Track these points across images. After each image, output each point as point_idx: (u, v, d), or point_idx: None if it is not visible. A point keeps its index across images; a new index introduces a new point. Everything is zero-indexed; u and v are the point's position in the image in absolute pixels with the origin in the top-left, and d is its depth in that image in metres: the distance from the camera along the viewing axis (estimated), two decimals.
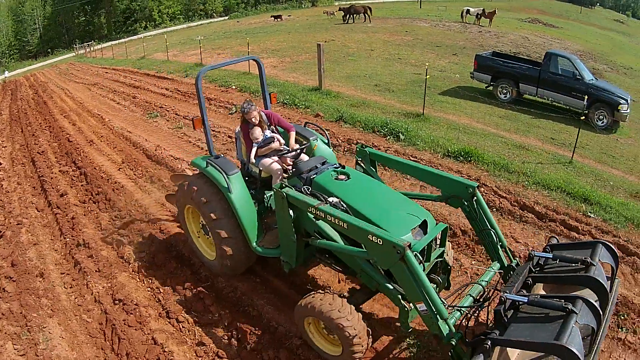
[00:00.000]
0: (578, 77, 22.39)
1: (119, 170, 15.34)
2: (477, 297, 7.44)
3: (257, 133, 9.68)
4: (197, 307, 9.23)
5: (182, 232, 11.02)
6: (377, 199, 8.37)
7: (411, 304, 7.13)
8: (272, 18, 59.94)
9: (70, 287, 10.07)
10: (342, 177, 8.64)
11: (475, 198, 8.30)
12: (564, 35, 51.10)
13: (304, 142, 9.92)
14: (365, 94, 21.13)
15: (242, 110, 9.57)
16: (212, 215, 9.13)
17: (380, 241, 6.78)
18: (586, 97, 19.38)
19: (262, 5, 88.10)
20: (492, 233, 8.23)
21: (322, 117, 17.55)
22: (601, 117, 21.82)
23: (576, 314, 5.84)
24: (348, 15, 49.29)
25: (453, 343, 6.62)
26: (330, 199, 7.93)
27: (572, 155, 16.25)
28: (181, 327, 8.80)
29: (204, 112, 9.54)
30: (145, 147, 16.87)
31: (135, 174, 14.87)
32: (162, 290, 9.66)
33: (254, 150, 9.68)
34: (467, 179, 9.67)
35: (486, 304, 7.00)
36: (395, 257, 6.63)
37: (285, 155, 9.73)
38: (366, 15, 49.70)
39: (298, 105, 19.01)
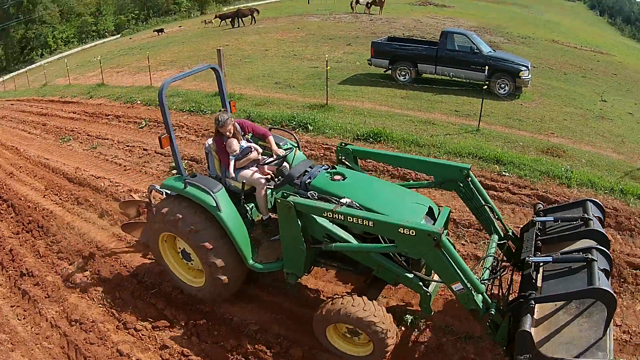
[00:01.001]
0: (476, 51, 23.53)
1: (44, 197, 15.23)
2: (493, 269, 7.99)
3: (235, 145, 9.25)
4: (151, 313, 9.47)
5: (120, 245, 11.33)
6: (381, 193, 8.69)
7: (430, 288, 7.76)
8: (156, 32, 59.68)
9: (23, 318, 10.06)
10: (338, 177, 8.80)
11: (469, 179, 8.88)
12: (457, 14, 53.04)
13: (285, 148, 9.75)
14: (268, 93, 21.57)
15: (218, 123, 9.08)
16: (202, 241, 8.77)
17: (413, 232, 7.07)
18: (487, 68, 20.84)
19: (152, 19, 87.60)
20: (488, 208, 8.90)
21: None
22: (503, 85, 23.09)
23: (596, 261, 6.87)
24: (236, 19, 49.59)
25: (493, 312, 7.28)
26: (343, 200, 8.05)
27: (479, 123, 17.23)
28: (141, 335, 9.03)
29: (170, 128, 8.92)
30: (64, 171, 16.75)
31: (60, 199, 14.81)
32: (114, 304, 9.83)
33: (232, 163, 9.28)
34: (459, 163, 10.18)
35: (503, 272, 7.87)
36: (431, 244, 6.98)
37: (268, 163, 9.51)
38: (253, 17, 50.15)
39: (205, 111, 19.20)
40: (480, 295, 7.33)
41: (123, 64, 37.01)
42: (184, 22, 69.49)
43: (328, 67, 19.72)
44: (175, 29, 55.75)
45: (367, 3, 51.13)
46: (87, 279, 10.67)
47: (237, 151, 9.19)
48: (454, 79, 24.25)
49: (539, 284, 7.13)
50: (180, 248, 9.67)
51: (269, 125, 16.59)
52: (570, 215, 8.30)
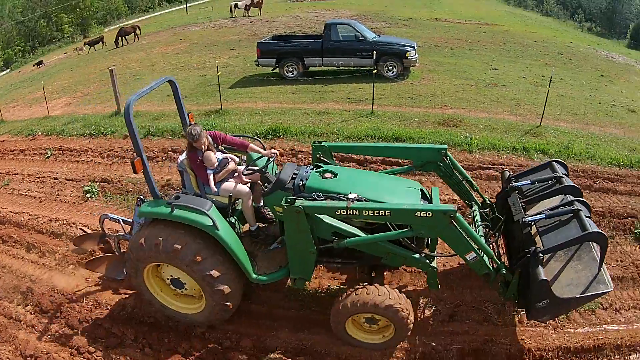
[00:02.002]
0: (361, 38, 24.57)
1: None
2: (486, 235, 9.08)
3: (213, 158, 9.09)
4: (100, 333, 9.68)
5: (53, 274, 11.42)
6: (376, 184, 9.31)
7: (433, 265, 8.65)
8: (35, 66, 58.55)
9: None
10: (329, 175, 9.13)
11: (447, 158, 9.90)
12: (336, 5, 54.23)
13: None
14: (162, 106, 21.80)
15: (192, 137, 8.83)
16: (207, 270, 8.56)
17: (429, 214, 7.83)
18: (374, 53, 21.88)
19: (37, 49, 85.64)
20: (466, 182, 10.04)
21: None
22: (391, 67, 24.29)
23: (582, 210, 8.34)
24: (119, 38, 49.28)
25: (504, 272, 8.54)
26: (350, 196, 8.31)
27: (372, 106, 18.11)
28: (96, 356, 9.25)
29: (142, 150, 8.55)
30: None
31: None
32: (62, 332, 9.91)
33: (211, 177, 9.15)
34: (436, 144, 10.58)
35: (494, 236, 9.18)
36: (446, 222, 7.83)
37: (249, 173, 9.45)
38: (135, 34, 49.99)
39: (105, 132, 19.25)
40: (490, 260, 8.40)
41: (17, 97, 36.40)
42: (69, 47, 68.60)
43: (219, 73, 20.11)
44: (62, 56, 54.96)
45: (246, 6, 51.63)
46: (30, 313, 10.67)
47: (216, 164, 9.13)
48: (341, 68, 25.25)
49: (536, 239, 8.38)
50: (169, 276, 9.42)
51: (168, 138, 17.01)
52: (544, 176, 9.66)
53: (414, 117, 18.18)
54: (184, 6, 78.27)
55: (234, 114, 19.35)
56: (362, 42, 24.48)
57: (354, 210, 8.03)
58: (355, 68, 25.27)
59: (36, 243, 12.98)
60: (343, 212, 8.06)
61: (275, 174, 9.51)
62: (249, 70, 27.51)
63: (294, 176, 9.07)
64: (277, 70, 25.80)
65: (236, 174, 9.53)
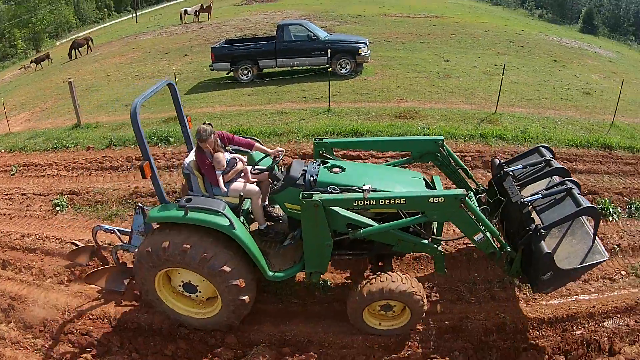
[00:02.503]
0: (313, 37, 25.20)
1: None
2: (490, 217, 9.73)
3: (223, 158, 9.19)
4: (86, 344, 9.78)
5: (31, 289, 11.39)
6: (382, 175, 9.82)
7: (440, 249, 9.40)
8: None
9: None
10: (337, 169, 9.52)
11: (444, 148, 10.67)
12: (284, 6, 54.57)
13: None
14: (122, 116, 21.88)
15: (202, 137, 8.91)
16: (219, 266, 8.64)
17: (442, 199, 8.50)
18: (329, 51, 22.63)
19: None
20: (462, 171, 10.83)
21: (94, 147, 18.08)
22: (344, 65, 24.94)
23: (574, 188, 9.30)
24: (73, 50, 48.97)
25: (508, 249, 9.32)
26: (365, 187, 8.69)
27: (329, 104, 18.59)
28: None
29: (149, 154, 8.57)
30: None
31: None
32: (48, 345, 9.97)
33: (221, 178, 9.24)
34: (433, 136, 11.55)
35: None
36: (457, 205, 8.52)
37: (257, 172, 9.80)
38: (88, 45, 49.80)
39: (68, 145, 19.23)
40: (495, 239, 9.36)
41: None
42: (22, 63, 67.97)
43: (176, 80, 20.34)
44: (17, 72, 54.41)
45: (195, 11, 51.75)
46: (14, 329, 10.59)
47: (225, 165, 9.22)
48: (295, 68, 25.81)
49: (535, 218, 9.32)
50: (180, 282, 9.38)
51: (131, 147, 17.26)
52: (534, 160, 10.59)
53: (371, 111, 18.76)
54: (134, 15, 77.83)
55: (193, 120, 19.16)
56: (315, 41, 25.09)
57: (371, 200, 8.49)
58: (309, 67, 25.78)
59: (11, 260, 12.92)
60: (360, 202, 8.51)
61: (282, 172, 9.83)
62: (204, 76, 27.84)
63: (303, 172, 9.35)
64: (232, 74, 26.12)
65: (242, 174, 9.66)
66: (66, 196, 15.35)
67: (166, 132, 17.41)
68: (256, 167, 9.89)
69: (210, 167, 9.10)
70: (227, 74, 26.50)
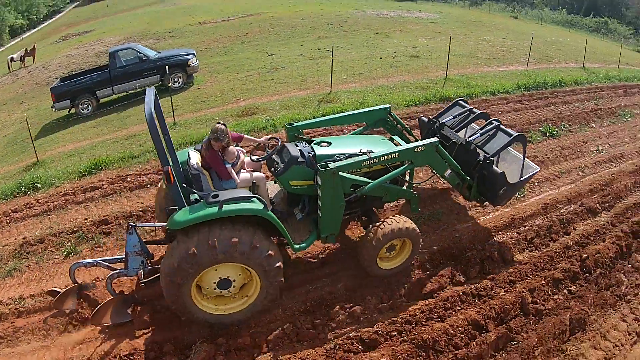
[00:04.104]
0: (144, 58, 26.35)
1: None
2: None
3: (235, 151, 10.00)
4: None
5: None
6: (361, 142, 11.44)
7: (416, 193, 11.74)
8: None
9: None
10: (325, 144, 11.00)
11: (391, 115, 13.03)
12: (100, 35, 53.80)
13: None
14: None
15: (218, 137, 9.54)
16: (265, 253, 9.10)
17: (423, 147, 10.93)
18: (162, 68, 24.45)
19: None
20: (406, 132, 13.06)
21: None
22: (176, 78, 26.38)
23: (500, 123, 12.57)
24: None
25: (468, 179, 12.09)
26: (363, 150, 10.63)
27: (173, 118, 19.80)
28: None
29: (168, 160, 8.85)
30: None
31: None
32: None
33: (233, 171, 9.88)
34: (379, 105, 13.55)
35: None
36: (433, 150, 11.14)
37: (257, 160, 10.84)
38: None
39: None
40: (459, 172, 11.98)
41: None
42: None
43: (29, 126, 20.07)
44: None
45: (21, 57, 50.58)
46: None
47: (235, 157, 10.05)
48: (131, 92, 26.78)
49: (479, 151, 12.13)
50: (214, 282, 9.48)
51: None
52: (459, 111, 13.48)
53: (214, 116, 20.05)
54: None
55: (51, 162, 19.57)
56: (146, 61, 26.24)
57: (374, 159, 10.35)
58: (144, 88, 26.21)
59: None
60: (366, 162, 10.30)
61: (280, 154, 10.79)
62: (46, 118, 27.65)
63: (300, 152, 10.53)
64: (73, 110, 26.24)
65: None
66: None
67: (30, 179, 17.22)
68: (253, 157, 11.02)
69: (221, 162, 9.75)
70: (68, 111, 26.51)
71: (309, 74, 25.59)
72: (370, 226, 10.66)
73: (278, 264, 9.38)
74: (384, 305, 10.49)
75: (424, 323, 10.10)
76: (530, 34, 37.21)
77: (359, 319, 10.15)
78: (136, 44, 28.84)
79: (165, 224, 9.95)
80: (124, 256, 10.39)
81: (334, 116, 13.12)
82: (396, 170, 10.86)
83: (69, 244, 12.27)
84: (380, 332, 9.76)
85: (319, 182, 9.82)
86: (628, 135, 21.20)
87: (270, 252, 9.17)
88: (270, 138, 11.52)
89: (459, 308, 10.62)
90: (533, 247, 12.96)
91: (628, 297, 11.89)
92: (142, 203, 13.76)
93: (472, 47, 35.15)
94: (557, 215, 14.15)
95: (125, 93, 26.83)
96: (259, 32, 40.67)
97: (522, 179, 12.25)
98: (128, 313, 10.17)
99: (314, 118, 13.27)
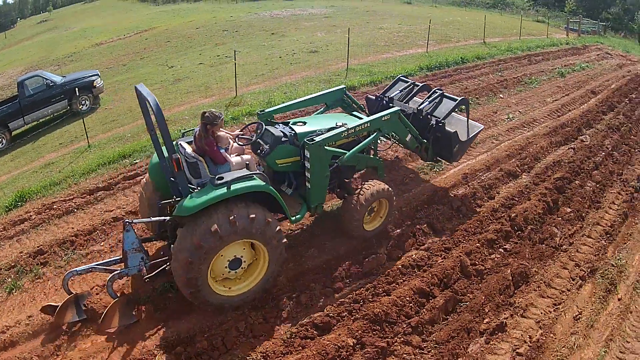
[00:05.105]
0: (52, 84, 25.77)
1: None
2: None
3: (225, 136, 10.58)
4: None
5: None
6: (330, 119, 12.41)
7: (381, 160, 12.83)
8: None
9: None
10: (300, 124, 11.76)
11: (347, 95, 14.13)
12: (2, 68, 51.21)
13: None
14: None
15: (214, 122, 9.73)
16: (276, 227, 9.67)
17: (388, 116, 12.24)
18: (76, 90, 24.12)
19: None
20: (359, 110, 14.07)
21: None
22: (84, 101, 25.82)
23: (440, 90, 14.35)
24: None
25: (425, 141, 13.59)
26: (339, 123, 11.69)
27: (88, 141, 19.53)
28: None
29: (171, 144, 8.94)
30: None
31: None
32: None
33: (226, 155, 10.21)
34: (335, 87, 14.41)
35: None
36: (397, 118, 12.50)
37: (244, 144, 11.20)
38: None
39: None
40: (416, 136, 13.31)
41: None
42: None
43: None
44: None
45: None
46: None
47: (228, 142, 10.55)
48: (42, 120, 26.21)
49: (430, 117, 13.67)
50: (226, 263, 9.69)
51: None
52: (403, 86, 15.03)
53: (126, 134, 19.97)
54: None
55: None
56: (54, 87, 25.64)
57: (350, 130, 11.47)
58: (54, 115, 26.26)
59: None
60: (344, 134, 11.36)
61: (264, 137, 11.36)
62: None
63: (282, 133, 11.20)
64: None
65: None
66: None
67: None
68: (239, 142, 11.25)
69: (217, 147, 9.99)
70: None
71: (212, 81, 25.73)
72: (353, 193, 11.71)
73: (284, 240, 10.05)
74: (329, 289, 10.77)
75: (371, 299, 10.43)
76: (427, 17, 38.20)
77: (308, 306, 10.38)
78: (42, 71, 28.05)
79: (162, 218, 10.17)
80: (119, 257, 10.41)
81: (298, 100, 13.70)
82: (369, 138, 12.03)
83: (10, 280, 11.90)
84: (331, 314, 10.05)
85: (308, 156, 10.69)
86: (537, 101, 22.46)
87: (279, 227, 9.76)
88: (251, 123, 12.13)
89: (401, 281, 11.04)
90: (461, 215, 13.64)
91: (564, 246, 12.87)
92: (72, 228, 13.52)
93: (370, 36, 35.95)
94: (478, 183, 15.08)
95: (36, 122, 26.23)
96: (156, 47, 40.49)
97: (470, 136, 13.88)
98: (133, 314, 10.10)
99: (282, 104, 13.55)
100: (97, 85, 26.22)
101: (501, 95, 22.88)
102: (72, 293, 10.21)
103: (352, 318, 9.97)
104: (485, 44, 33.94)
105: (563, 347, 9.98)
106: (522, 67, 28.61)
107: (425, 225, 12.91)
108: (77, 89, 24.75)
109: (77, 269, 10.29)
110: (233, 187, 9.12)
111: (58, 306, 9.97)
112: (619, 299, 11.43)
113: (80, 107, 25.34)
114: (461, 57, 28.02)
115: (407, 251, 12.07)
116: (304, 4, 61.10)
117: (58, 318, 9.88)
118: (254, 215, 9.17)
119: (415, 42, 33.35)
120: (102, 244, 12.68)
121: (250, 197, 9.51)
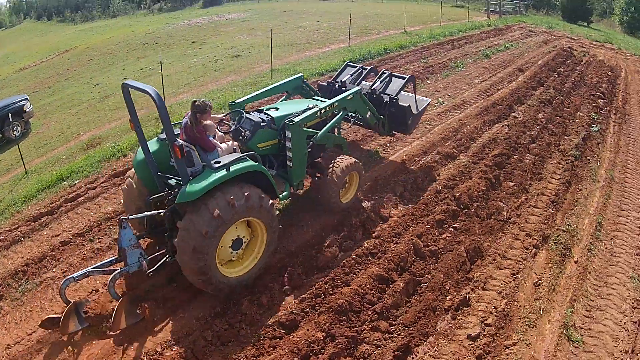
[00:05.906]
0: None
1: None
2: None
3: (213, 125, 11.03)
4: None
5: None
6: (298, 104, 13.36)
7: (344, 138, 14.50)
8: None
9: None
10: (273, 109, 12.56)
11: (305, 83, 15.05)
12: None
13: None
14: None
15: (205, 110, 10.12)
16: (270, 202, 10.24)
17: (352, 96, 13.50)
18: (9, 116, 23.35)
19: None
20: (316, 95, 15.16)
21: None
22: (16, 127, 24.68)
23: (388, 71, 16.11)
24: None
25: (382, 117, 15.01)
26: (311, 105, 12.79)
27: (24, 167, 18.90)
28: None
29: (172, 131, 9.33)
30: None
31: None
32: None
33: (216, 141, 10.72)
34: (293, 75, 15.33)
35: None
36: (359, 96, 13.77)
37: (227, 133, 11.85)
38: None
39: None
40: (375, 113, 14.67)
41: None
42: None
43: None
44: None
45: None
46: None
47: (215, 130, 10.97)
48: None
49: (383, 96, 15.23)
50: (230, 244, 10.16)
51: None
52: (352, 70, 16.42)
53: (60, 157, 19.47)
54: None
55: None
56: None
57: (322, 109, 12.58)
58: None
59: None
60: (317, 113, 12.43)
61: (243, 124, 11.90)
62: None
63: (261, 119, 11.92)
64: None
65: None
66: None
67: None
68: (221, 122, 12.19)
69: (206, 136, 10.33)
70: None
71: (138, 95, 24.88)
72: (325, 171, 12.58)
73: (277, 212, 10.71)
74: (287, 288, 10.78)
75: (332, 292, 10.51)
76: (345, 12, 38.39)
77: (270, 306, 10.38)
78: None
79: (157, 211, 10.37)
80: (115, 258, 10.37)
81: (262, 90, 14.32)
82: (337, 117, 13.10)
83: None
84: (295, 311, 10.06)
85: (289, 136, 11.52)
86: (465, 84, 22.89)
87: (271, 202, 10.23)
88: (229, 112, 12.66)
89: (358, 270, 11.16)
90: (405, 200, 13.91)
91: (512, 219, 13.29)
92: (22, 257, 13.09)
93: (290, 36, 36.14)
94: (417, 167, 15.38)
95: None
96: (79, 66, 39.75)
97: (420, 109, 15.54)
98: (138, 313, 10.01)
99: (251, 94, 14.11)
100: (27, 110, 25.24)
101: (428, 82, 23.29)
102: (72, 302, 9.95)
103: (317, 312, 10.02)
104: (406, 32, 34.42)
105: (529, 312, 10.32)
106: (446, 52, 29.15)
107: (372, 214, 13.09)
108: (10, 114, 23.94)
109: (74, 275, 10.07)
110: (232, 168, 9.57)
111: (58, 318, 9.73)
112: (575, 262, 11.91)
113: (13, 133, 24.50)
114: (384, 48, 28.44)
115: (359, 241, 12.23)
116: (221, 10, 61.07)
117: (63, 329, 9.60)
118: (248, 193, 9.58)
119: (336, 38, 33.62)
120: (54, 270, 12.34)
121: (242, 179, 9.88)
